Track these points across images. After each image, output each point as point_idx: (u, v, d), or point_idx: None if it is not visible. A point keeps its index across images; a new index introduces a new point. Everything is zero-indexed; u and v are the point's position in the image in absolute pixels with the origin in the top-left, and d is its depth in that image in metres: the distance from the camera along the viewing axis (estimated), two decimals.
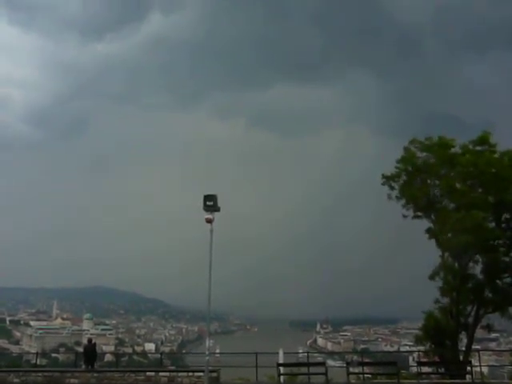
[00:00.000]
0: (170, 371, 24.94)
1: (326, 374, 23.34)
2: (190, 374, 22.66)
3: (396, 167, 30.07)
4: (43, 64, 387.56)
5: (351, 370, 24.03)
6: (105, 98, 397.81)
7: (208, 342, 19.36)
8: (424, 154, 29.81)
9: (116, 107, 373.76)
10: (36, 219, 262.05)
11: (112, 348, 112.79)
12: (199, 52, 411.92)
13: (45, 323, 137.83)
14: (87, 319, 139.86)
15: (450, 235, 27.48)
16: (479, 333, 30.43)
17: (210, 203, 18.59)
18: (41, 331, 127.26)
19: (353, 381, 23.88)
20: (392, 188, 30.13)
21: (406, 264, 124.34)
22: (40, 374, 24.35)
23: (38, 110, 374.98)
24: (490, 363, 38.13)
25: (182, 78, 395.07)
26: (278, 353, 25.98)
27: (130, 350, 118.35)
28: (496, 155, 28.17)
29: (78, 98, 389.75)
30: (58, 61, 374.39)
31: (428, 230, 29.17)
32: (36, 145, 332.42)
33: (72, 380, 23.50)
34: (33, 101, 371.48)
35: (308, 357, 27.46)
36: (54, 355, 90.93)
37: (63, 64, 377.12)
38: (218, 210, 18.76)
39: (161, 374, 23.41)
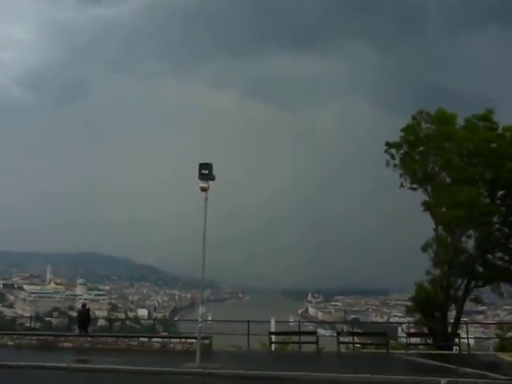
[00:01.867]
0: (162, 337, 25.20)
1: (317, 343, 23.75)
2: (183, 340, 22.96)
3: (400, 136, 30.03)
4: (39, 27, 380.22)
5: (341, 339, 24.40)
6: (100, 62, 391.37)
7: (201, 309, 19.47)
8: (428, 125, 29.77)
9: (111, 73, 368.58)
10: (30, 183, 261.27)
11: (105, 313, 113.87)
12: (195, 20, 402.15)
13: (38, 287, 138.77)
14: (80, 284, 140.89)
15: (444, 209, 27.65)
16: (467, 305, 30.88)
17: (205, 172, 18.47)
18: (34, 295, 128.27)
19: (343, 350, 24.25)
20: (393, 157, 30.14)
21: (399, 237, 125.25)
22: (34, 338, 24.70)
23: (32, 73, 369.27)
24: (477, 335, 38.67)
25: (178, 46, 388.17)
26: (269, 321, 26.25)
27: (122, 316, 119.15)
28: (498, 132, 28.16)
29: (73, 62, 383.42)
30: (54, 24, 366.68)
31: (423, 203, 29.32)
32: (30, 108, 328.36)
33: (66, 344, 23.85)
34: (27, 63, 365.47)
35: (300, 326, 27.84)
36: (47, 319, 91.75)
37: (59, 27, 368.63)
38: (213, 178, 18.66)
39: (154, 339, 23.73)
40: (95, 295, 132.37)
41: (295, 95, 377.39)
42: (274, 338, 24.57)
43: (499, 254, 28.65)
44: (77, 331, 26.58)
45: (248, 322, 24.75)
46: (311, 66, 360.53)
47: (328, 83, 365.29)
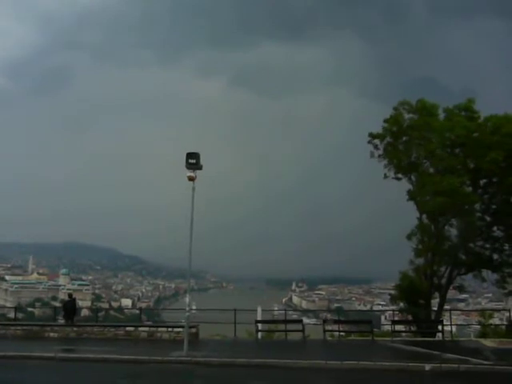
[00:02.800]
0: (149, 326, 25.23)
1: (303, 331, 24.01)
2: (170, 329, 23.00)
3: (383, 127, 30.23)
4: (18, 13, 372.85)
5: (327, 327, 24.68)
6: (84, 50, 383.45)
7: (188, 299, 19.55)
8: (410, 115, 30.01)
9: (95, 61, 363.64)
10: (10, 171, 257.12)
11: (89, 303, 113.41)
12: (181, 7, 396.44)
13: (20, 278, 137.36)
14: (63, 274, 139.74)
15: (427, 198, 27.96)
16: (449, 293, 31.39)
17: (193, 161, 18.48)
18: (16, 286, 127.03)
19: (328, 338, 24.54)
20: (376, 148, 30.38)
21: (383, 226, 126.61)
22: (19, 328, 24.50)
23: (12, 61, 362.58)
24: (459, 322, 39.45)
25: (164, 34, 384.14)
26: (255, 310, 26.45)
27: (106, 306, 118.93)
28: (479, 121, 28.45)
29: (55, 50, 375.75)
30: (34, 10, 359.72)
31: (408, 192, 29.62)
32: (9, 98, 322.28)
33: (51, 334, 23.71)
34: (7, 51, 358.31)
35: (286, 314, 28.11)
36: (30, 309, 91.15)
37: (40, 13, 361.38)
38: (200, 168, 18.67)
39: (140, 329, 23.71)
40: (78, 285, 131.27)
41: (283, 84, 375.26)
42: (260, 326, 24.78)
43: (481, 243, 29.14)
44: (62, 321, 26.49)
45: (235, 310, 24.94)
46: (299, 55, 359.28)
47: (315, 71, 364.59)
